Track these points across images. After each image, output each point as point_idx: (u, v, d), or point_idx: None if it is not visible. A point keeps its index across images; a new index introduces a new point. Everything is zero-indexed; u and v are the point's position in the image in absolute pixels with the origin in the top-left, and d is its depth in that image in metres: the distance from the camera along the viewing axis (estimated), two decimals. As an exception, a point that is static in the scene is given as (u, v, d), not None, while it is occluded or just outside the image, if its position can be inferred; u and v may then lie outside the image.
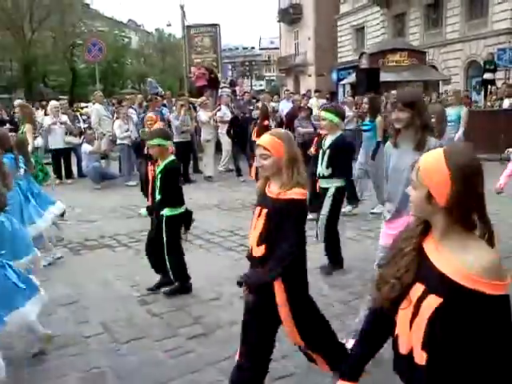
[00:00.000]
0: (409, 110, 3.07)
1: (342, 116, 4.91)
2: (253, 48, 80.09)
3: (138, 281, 4.75)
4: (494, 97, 14.42)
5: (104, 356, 3.44)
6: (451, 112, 8.05)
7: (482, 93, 16.85)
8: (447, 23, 23.26)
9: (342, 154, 4.79)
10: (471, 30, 21.92)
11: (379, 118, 7.31)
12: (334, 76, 24.68)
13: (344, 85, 21.12)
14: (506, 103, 12.76)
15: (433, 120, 5.08)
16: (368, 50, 21.63)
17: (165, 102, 13.30)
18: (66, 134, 10.93)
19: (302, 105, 11.09)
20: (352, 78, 18.10)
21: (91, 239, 6.37)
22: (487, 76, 16.34)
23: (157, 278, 4.63)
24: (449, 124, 7.54)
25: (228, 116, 10.79)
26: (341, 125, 4.90)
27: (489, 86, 16.00)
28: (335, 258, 4.89)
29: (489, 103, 14.55)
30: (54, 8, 30.37)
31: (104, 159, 11.06)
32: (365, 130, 7.63)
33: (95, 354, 3.49)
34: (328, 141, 4.82)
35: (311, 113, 10.24)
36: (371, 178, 7.32)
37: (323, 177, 4.81)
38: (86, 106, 16.08)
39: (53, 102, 11.34)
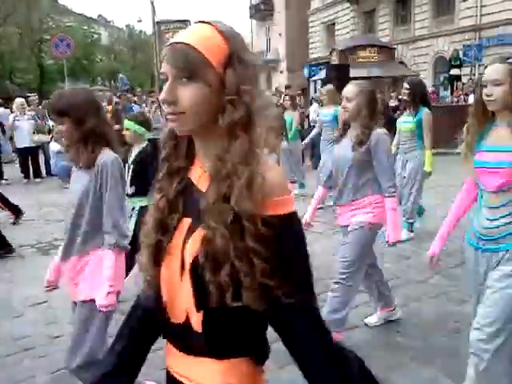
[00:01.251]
0: (66, 119, 2.28)
1: (145, 125, 4.12)
2: (225, 44, 79.78)
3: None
4: (460, 92, 14.79)
5: (73, 356, 3.42)
6: (325, 112, 7.40)
7: (449, 88, 17.27)
8: (416, 20, 23.65)
9: (147, 169, 3.89)
10: (439, 26, 22.35)
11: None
12: (306, 72, 24.77)
13: (315, 81, 21.25)
14: (471, 99, 13.10)
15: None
16: (338, 46, 21.85)
17: (135, 98, 13.19)
18: (34, 132, 10.71)
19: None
20: (323, 74, 18.22)
21: (60, 239, 6.25)
22: (453, 72, 16.78)
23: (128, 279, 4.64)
24: (325, 124, 7.45)
25: None
26: (146, 135, 4.15)
27: (455, 82, 16.40)
28: None
29: (455, 99, 14.92)
30: (19, 4, 29.65)
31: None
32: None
33: (64, 354, 3.45)
34: (132, 154, 4.05)
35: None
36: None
37: (127, 195, 3.62)
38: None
39: (18, 100, 11.08)
